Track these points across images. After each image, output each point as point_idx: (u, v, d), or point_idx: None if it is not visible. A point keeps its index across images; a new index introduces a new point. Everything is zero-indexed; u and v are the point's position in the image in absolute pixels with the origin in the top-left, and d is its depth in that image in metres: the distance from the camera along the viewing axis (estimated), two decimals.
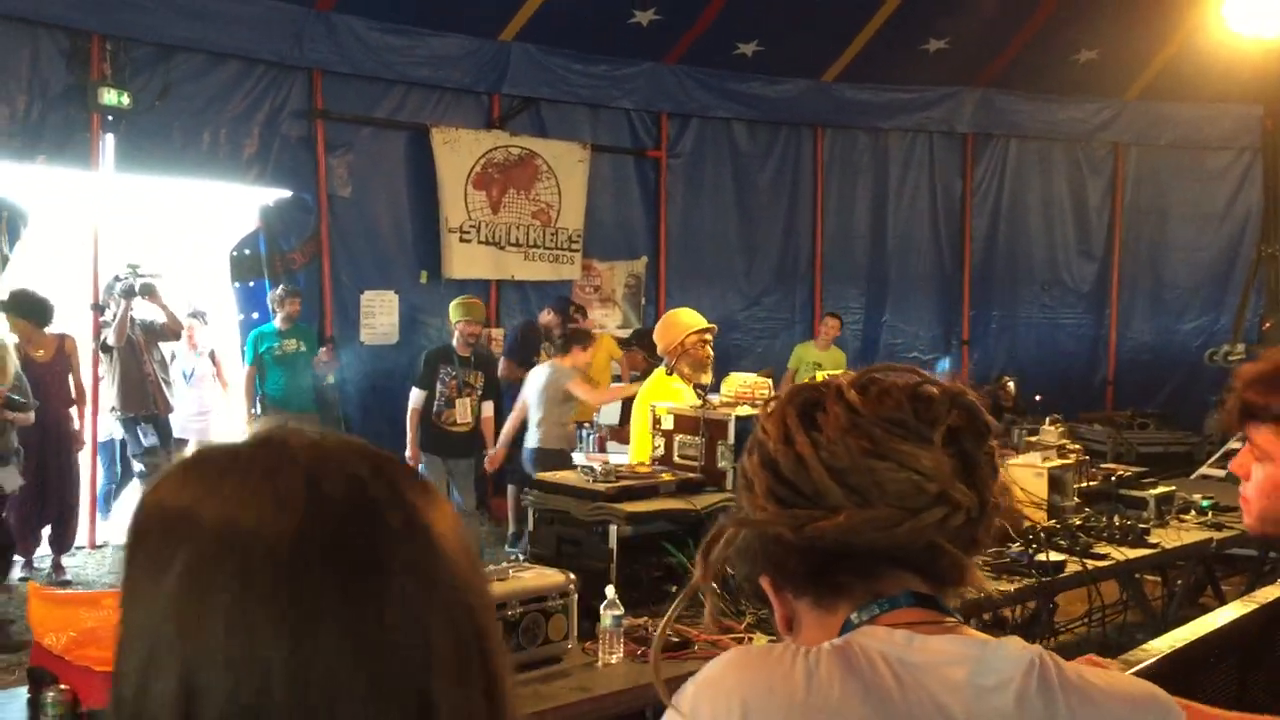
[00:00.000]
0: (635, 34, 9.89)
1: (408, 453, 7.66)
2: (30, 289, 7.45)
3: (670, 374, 5.24)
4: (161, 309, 8.16)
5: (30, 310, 7.24)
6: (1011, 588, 4.28)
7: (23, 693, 2.71)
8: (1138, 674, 2.15)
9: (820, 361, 9.81)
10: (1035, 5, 10.69)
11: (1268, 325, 8.29)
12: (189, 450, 0.79)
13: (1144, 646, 2.31)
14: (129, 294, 7.86)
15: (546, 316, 9.07)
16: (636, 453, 5.09)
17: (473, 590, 0.78)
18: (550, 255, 10.06)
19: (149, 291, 7.94)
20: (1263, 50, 7.81)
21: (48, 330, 7.34)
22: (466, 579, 0.78)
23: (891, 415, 1.13)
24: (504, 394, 8.48)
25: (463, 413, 7.75)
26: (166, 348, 8.58)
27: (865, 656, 1.08)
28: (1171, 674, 1.96)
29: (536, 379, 7.68)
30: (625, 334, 10.20)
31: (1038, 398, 10.15)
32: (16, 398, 6.77)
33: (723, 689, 1.06)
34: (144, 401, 8.10)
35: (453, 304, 8.08)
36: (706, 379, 5.21)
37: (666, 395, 5.00)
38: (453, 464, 7.82)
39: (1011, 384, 10.91)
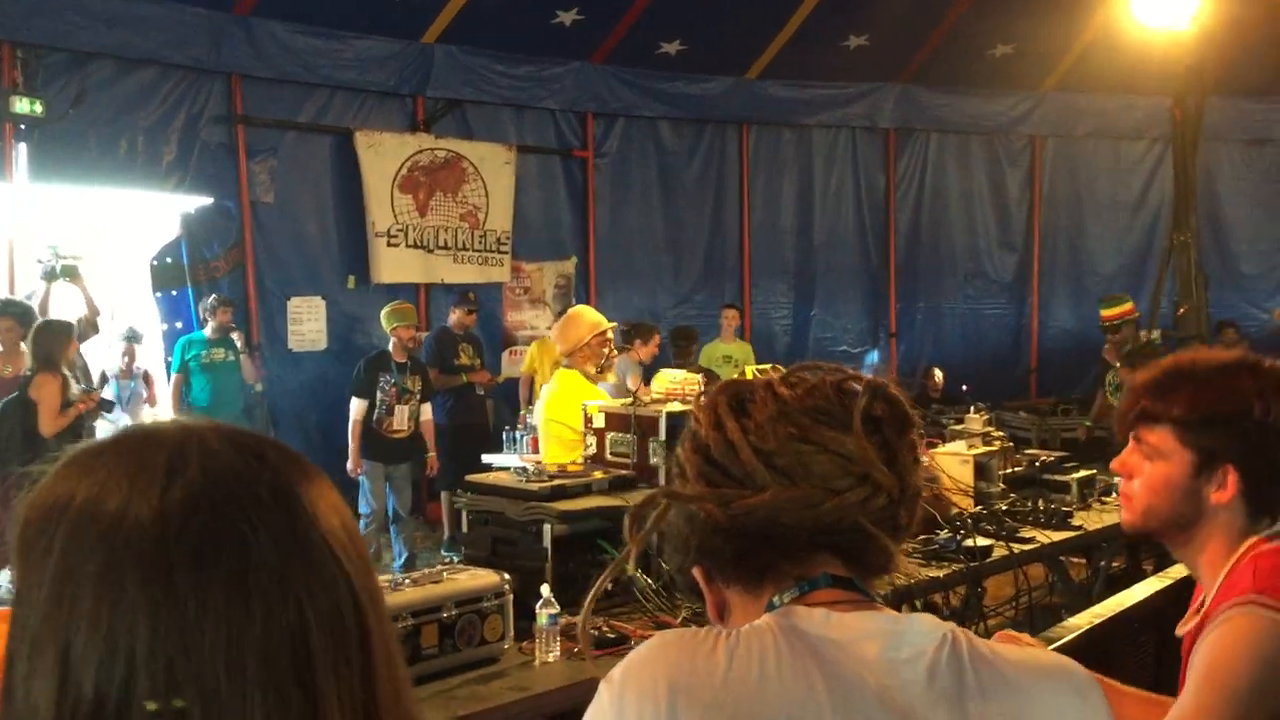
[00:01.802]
0: (558, 34, 9.89)
1: (350, 463, 7.67)
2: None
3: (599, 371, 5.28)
4: (82, 293, 7.95)
5: (25, 319, 7.08)
6: (940, 574, 4.36)
7: None
8: (1057, 649, 2.21)
9: (730, 354, 9.82)
10: (951, 1, 10.88)
11: (1182, 310, 8.52)
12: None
13: (1064, 624, 2.38)
14: (50, 276, 7.68)
15: (455, 316, 9.02)
16: (549, 454, 5.08)
17: (353, 567, 0.80)
18: (479, 257, 10.03)
19: (71, 274, 7.72)
20: (1170, 42, 8.02)
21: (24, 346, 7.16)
22: (346, 555, 0.80)
23: (818, 405, 1.19)
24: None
25: (401, 419, 7.77)
26: (95, 367, 8.36)
27: (783, 635, 1.11)
28: (1090, 649, 2.03)
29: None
30: None
31: (964, 387, 10.33)
32: (110, 399, 6.78)
33: (649, 670, 1.10)
34: None
35: (385, 312, 8.06)
36: (610, 378, 5.24)
37: (581, 393, 5.03)
38: (392, 469, 7.86)
39: (939, 374, 11.09)
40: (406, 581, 3.19)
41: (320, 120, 9.31)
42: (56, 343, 6.60)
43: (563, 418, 5.12)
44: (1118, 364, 8.38)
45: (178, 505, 0.74)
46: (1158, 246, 11.62)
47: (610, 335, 5.46)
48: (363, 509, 7.74)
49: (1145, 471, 1.82)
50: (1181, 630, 1.81)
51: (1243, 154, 12.91)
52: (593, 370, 5.28)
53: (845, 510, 1.13)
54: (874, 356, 12.12)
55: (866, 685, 1.09)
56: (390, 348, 7.86)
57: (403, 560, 7.81)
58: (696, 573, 1.23)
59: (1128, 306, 8.60)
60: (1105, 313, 8.74)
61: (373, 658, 0.80)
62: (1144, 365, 6.94)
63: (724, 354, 9.82)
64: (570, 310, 5.86)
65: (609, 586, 3.72)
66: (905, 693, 1.10)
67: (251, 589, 0.74)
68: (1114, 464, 1.90)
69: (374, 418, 7.70)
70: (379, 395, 7.71)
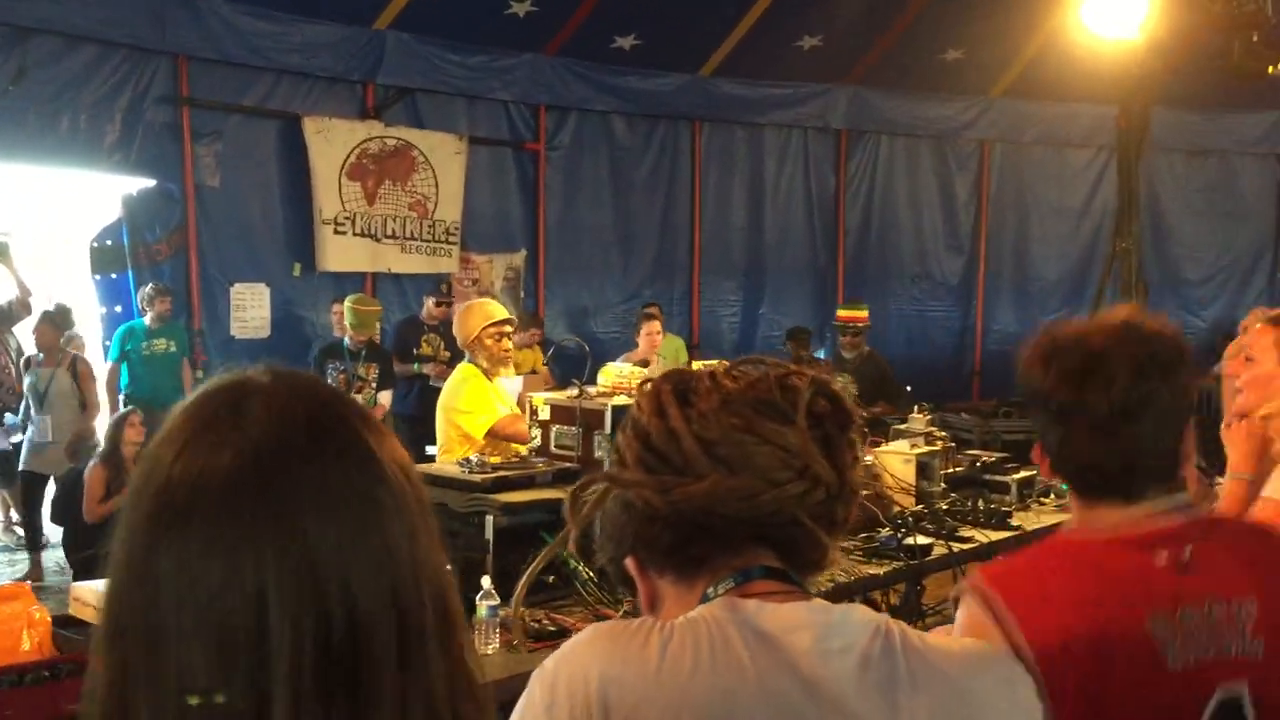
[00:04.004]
0: (512, 25, 9.83)
1: None
2: None
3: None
4: (11, 273, 7.79)
5: None
6: (881, 571, 4.39)
7: None
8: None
9: (662, 354, 9.74)
10: (904, 4, 10.94)
11: None
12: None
13: None
14: None
15: (426, 306, 9.00)
16: (444, 452, 5.04)
17: (423, 515, 0.85)
18: (428, 248, 9.95)
19: (1, 252, 7.61)
20: (1117, 51, 8.12)
21: None
22: (418, 505, 0.84)
23: (761, 397, 1.18)
24: None
25: None
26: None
27: (717, 626, 1.11)
28: None
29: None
30: None
31: (908, 388, 10.40)
32: None
33: (580, 661, 1.09)
34: None
35: (349, 305, 8.01)
36: (507, 374, 5.18)
37: (471, 389, 5.00)
38: None
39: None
40: None
41: (267, 104, 9.18)
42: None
43: (451, 412, 5.10)
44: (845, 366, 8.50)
45: (251, 470, 0.79)
46: (1101, 253, 11.78)
47: (508, 329, 5.31)
48: None
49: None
50: None
51: (1185, 165, 13.12)
52: (485, 364, 5.20)
53: (784, 502, 1.13)
54: (821, 355, 12.17)
55: (799, 675, 1.09)
56: (347, 336, 7.83)
57: None
58: (630, 563, 1.22)
59: (864, 313, 8.73)
60: (841, 313, 8.87)
61: (450, 615, 0.87)
62: (862, 377, 6.96)
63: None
64: (467, 303, 5.79)
65: (550, 579, 3.71)
66: (837, 683, 1.10)
67: (325, 545, 0.78)
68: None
69: None
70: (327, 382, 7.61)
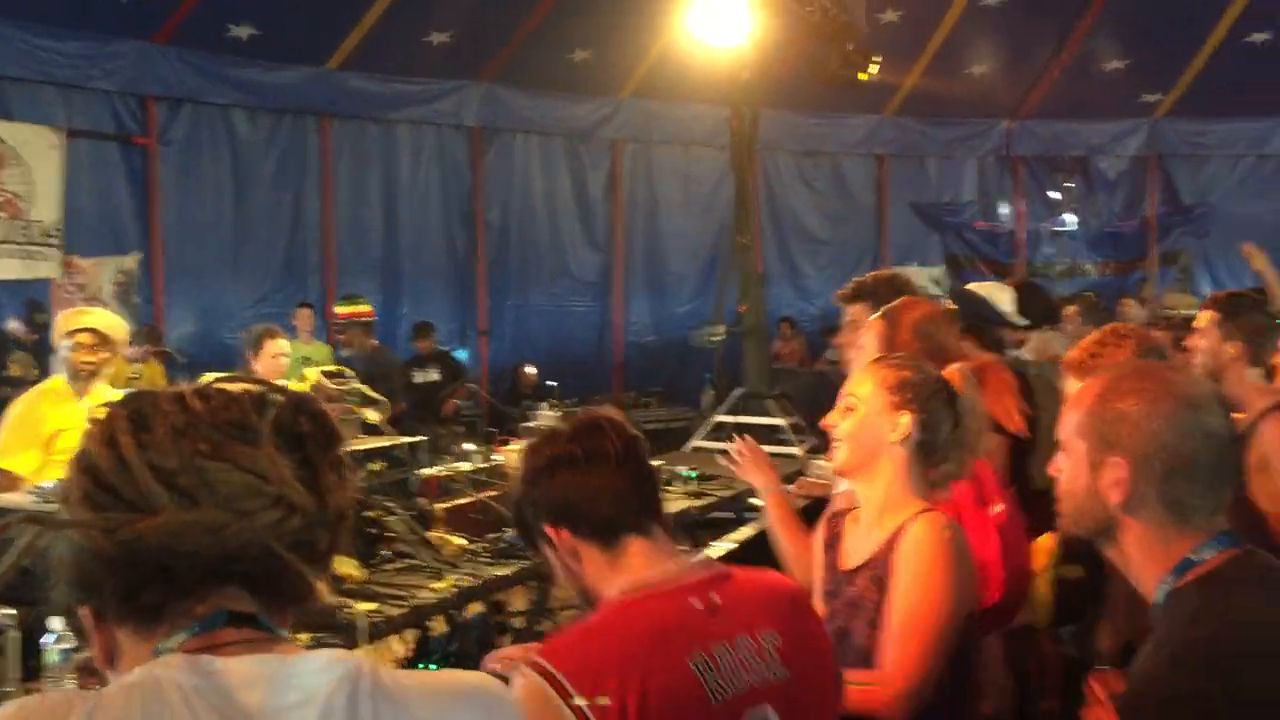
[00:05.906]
0: (114, 9, 9.11)
1: None
2: None
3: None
4: None
5: None
6: (509, 571, 4.35)
7: None
8: None
9: (308, 355, 9.21)
10: (531, 4, 11.03)
11: (743, 308, 9.08)
12: None
13: None
14: None
15: (13, 324, 8.06)
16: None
17: None
18: (23, 252, 9.02)
19: None
20: (729, 55, 8.53)
21: None
22: None
23: (234, 419, 1.07)
24: None
25: None
26: None
27: (155, 689, 0.97)
28: None
29: None
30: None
31: (551, 383, 10.53)
32: None
33: None
34: None
35: None
36: (98, 391, 4.63)
37: (55, 403, 4.53)
38: None
39: (532, 370, 11.25)
40: None
41: None
42: None
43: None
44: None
45: None
46: (725, 249, 12.42)
47: (88, 340, 4.67)
48: None
49: None
50: None
51: (799, 164, 14.07)
52: (63, 380, 4.69)
53: (255, 534, 1.02)
54: (464, 355, 12.09)
55: None
56: None
57: None
58: (85, 612, 1.07)
59: (361, 308, 8.17)
60: (341, 310, 8.26)
61: None
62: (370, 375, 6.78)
63: (301, 354, 9.26)
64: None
65: None
66: None
67: None
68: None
69: None
70: None
